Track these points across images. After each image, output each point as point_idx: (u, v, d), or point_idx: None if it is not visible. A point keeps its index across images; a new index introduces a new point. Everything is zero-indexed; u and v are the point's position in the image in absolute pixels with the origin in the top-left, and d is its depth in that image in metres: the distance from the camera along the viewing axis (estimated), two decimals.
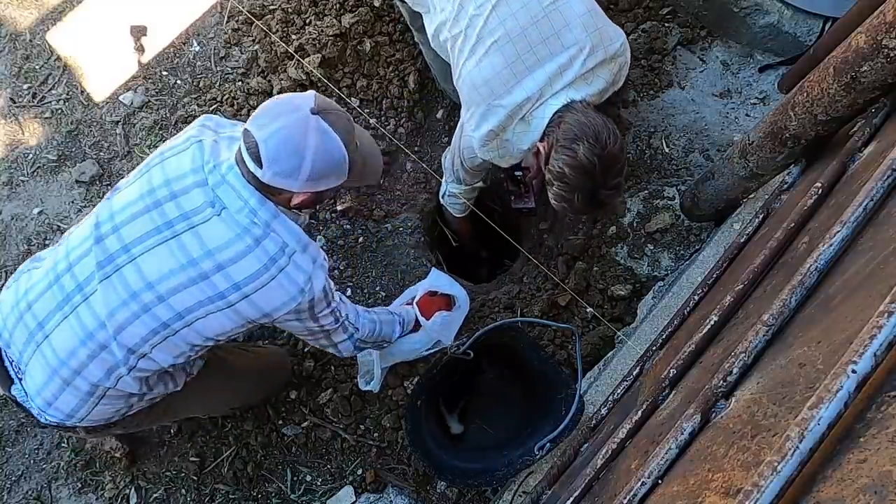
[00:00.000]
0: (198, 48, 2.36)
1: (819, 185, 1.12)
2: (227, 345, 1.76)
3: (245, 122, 1.25)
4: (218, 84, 2.29)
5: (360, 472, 1.93)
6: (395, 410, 1.93)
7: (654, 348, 1.45)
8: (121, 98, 2.32)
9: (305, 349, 2.00)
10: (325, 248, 2.11)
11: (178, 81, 2.33)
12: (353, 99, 2.21)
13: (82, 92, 2.33)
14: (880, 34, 1.04)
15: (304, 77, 2.18)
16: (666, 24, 2.26)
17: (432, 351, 1.89)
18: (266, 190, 1.25)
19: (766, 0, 2.09)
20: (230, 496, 1.93)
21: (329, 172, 1.24)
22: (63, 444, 2.00)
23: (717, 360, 1.02)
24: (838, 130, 1.32)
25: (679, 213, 1.97)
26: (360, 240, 2.13)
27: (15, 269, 1.43)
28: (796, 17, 2.08)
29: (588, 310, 1.94)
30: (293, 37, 2.25)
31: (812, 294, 0.89)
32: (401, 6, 1.96)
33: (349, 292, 2.08)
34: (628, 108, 2.15)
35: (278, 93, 2.16)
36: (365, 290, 2.08)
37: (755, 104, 2.15)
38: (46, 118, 2.32)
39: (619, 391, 1.44)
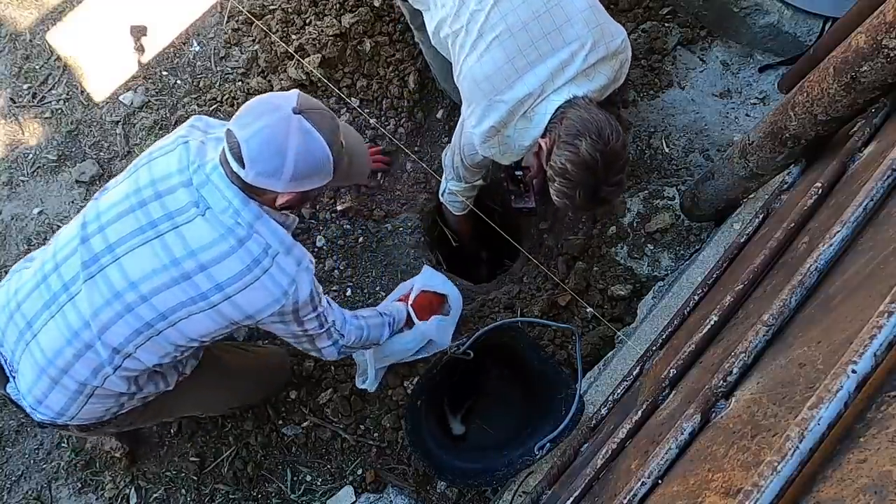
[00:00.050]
0: (198, 48, 2.36)
1: (819, 185, 1.12)
2: (224, 344, 1.76)
3: None
4: (218, 84, 2.29)
5: (360, 472, 1.93)
6: (395, 410, 1.93)
7: (654, 348, 1.45)
8: (121, 98, 2.32)
9: None
10: (325, 247, 2.11)
11: (178, 81, 2.33)
12: (353, 99, 2.21)
13: (82, 92, 2.33)
14: (880, 34, 1.04)
15: (304, 77, 2.18)
16: (666, 24, 2.26)
17: (429, 353, 1.89)
18: (250, 190, 1.25)
19: (766, 0, 2.09)
20: (230, 496, 1.93)
21: (313, 172, 1.23)
22: (63, 444, 2.00)
23: (717, 360, 1.02)
24: (838, 130, 1.32)
25: (679, 213, 1.97)
26: (360, 240, 2.13)
27: None
28: (796, 17, 2.08)
29: (588, 310, 1.94)
30: (293, 37, 2.25)
31: (812, 294, 0.89)
32: (401, 5, 1.96)
33: (349, 292, 2.08)
34: (628, 108, 2.15)
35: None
36: (365, 290, 2.09)
37: (755, 104, 2.15)
38: (46, 118, 2.32)
39: (619, 391, 1.44)
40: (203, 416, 1.94)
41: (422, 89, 2.27)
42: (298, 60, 2.15)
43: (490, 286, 2.22)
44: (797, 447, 0.58)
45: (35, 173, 2.27)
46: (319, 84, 2.17)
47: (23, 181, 2.26)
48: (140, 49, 2.36)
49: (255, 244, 1.26)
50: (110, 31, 2.38)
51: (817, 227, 1.07)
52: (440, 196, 2.03)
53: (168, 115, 2.28)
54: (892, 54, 1.04)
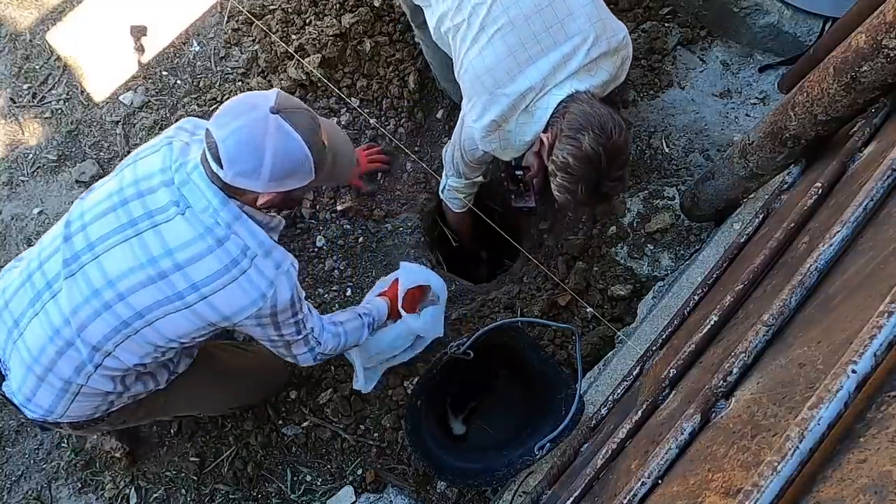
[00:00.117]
0: (198, 48, 2.36)
1: (819, 185, 1.12)
2: (223, 344, 1.76)
3: None
4: (218, 84, 2.29)
5: (360, 472, 1.93)
6: (395, 410, 1.93)
7: (654, 348, 1.45)
8: (121, 98, 2.32)
9: None
10: (325, 247, 2.11)
11: (178, 81, 2.33)
12: (353, 99, 2.21)
13: (82, 92, 2.33)
14: (880, 34, 1.04)
15: (304, 77, 2.18)
16: (666, 24, 2.26)
17: (422, 348, 1.87)
18: (230, 190, 1.24)
19: (766, 0, 2.09)
20: (230, 496, 1.93)
21: (292, 172, 1.21)
22: (63, 444, 2.00)
23: (717, 360, 1.02)
24: (838, 130, 1.32)
25: (679, 213, 1.97)
26: (360, 240, 2.13)
27: None
28: (796, 17, 2.08)
29: (588, 310, 1.94)
30: (293, 37, 2.25)
31: (812, 294, 0.89)
32: (402, 2, 1.96)
33: (349, 292, 2.08)
34: (628, 108, 2.15)
35: None
36: (365, 290, 2.08)
37: (755, 104, 2.14)
38: (46, 118, 2.32)
39: (619, 391, 1.44)
40: (202, 415, 1.94)
41: (422, 89, 2.27)
42: (298, 60, 2.15)
43: (490, 286, 2.22)
44: (797, 447, 0.58)
45: (35, 173, 2.27)
46: (319, 84, 2.17)
47: (23, 181, 2.26)
48: (140, 49, 2.36)
49: (233, 245, 1.25)
50: (110, 31, 2.38)
51: (817, 227, 1.07)
52: (440, 193, 2.02)
53: (168, 115, 2.28)
54: (892, 54, 1.04)
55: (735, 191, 1.70)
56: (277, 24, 2.28)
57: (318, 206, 2.14)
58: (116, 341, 1.27)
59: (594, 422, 1.45)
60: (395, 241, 2.15)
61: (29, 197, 2.25)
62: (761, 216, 1.43)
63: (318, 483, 1.94)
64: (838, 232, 0.88)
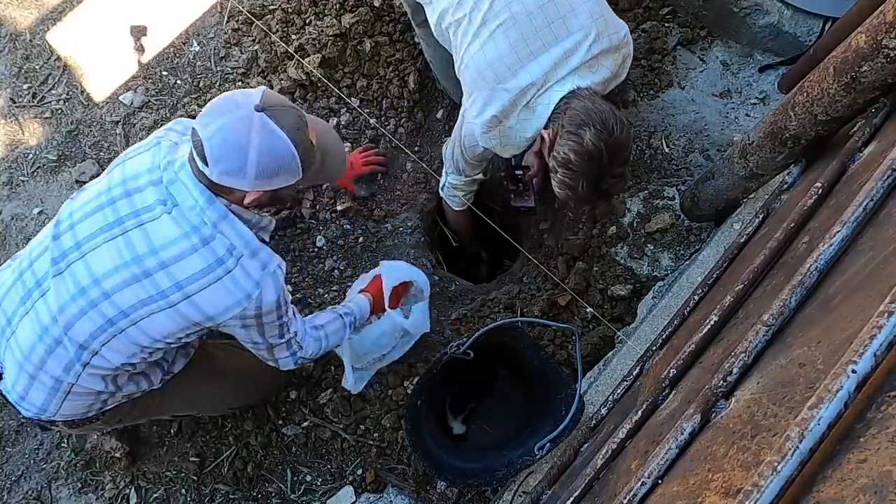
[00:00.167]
0: (198, 48, 2.36)
1: (819, 185, 1.12)
2: (222, 343, 1.76)
3: None
4: (218, 84, 2.29)
5: (360, 472, 1.93)
6: (395, 410, 1.93)
7: (654, 348, 1.45)
8: (121, 98, 2.32)
9: None
10: (325, 247, 2.11)
11: (178, 81, 2.33)
12: (353, 99, 2.21)
13: (82, 92, 2.33)
14: (880, 34, 1.04)
15: (304, 77, 2.18)
16: (666, 24, 2.26)
17: (411, 344, 1.87)
18: (217, 188, 1.24)
19: (766, 0, 2.09)
20: (230, 496, 1.93)
21: (278, 171, 1.21)
22: (63, 444, 2.00)
23: (717, 360, 1.02)
24: (838, 130, 1.32)
25: (679, 213, 1.97)
26: (360, 240, 2.13)
27: None
28: (796, 17, 2.08)
29: (588, 310, 1.94)
30: (293, 37, 2.25)
31: (812, 294, 0.89)
32: (403, 1, 1.96)
33: None
34: (628, 108, 2.15)
35: (279, 93, 2.15)
36: None
37: (755, 104, 2.14)
38: (46, 118, 2.32)
39: (619, 391, 1.44)
40: (203, 416, 1.94)
41: (422, 89, 2.27)
42: (298, 60, 2.15)
43: (490, 286, 2.22)
44: (797, 447, 0.58)
45: (35, 173, 2.27)
46: (319, 84, 2.17)
47: (23, 181, 2.26)
48: (140, 49, 2.36)
49: (219, 244, 1.25)
50: (110, 31, 2.38)
51: (817, 227, 1.07)
52: (440, 190, 2.02)
53: (168, 115, 2.28)
54: (892, 54, 1.04)
55: (735, 191, 1.70)
56: (277, 24, 2.28)
57: (318, 206, 2.14)
58: (103, 340, 1.27)
59: (594, 422, 1.45)
60: (395, 241, 2.15)
61: (29, 197, 2.25)
62: (761, 216, 1.43)
63: (318, 483, 1.94)
64: (838, 232, 0.88)
